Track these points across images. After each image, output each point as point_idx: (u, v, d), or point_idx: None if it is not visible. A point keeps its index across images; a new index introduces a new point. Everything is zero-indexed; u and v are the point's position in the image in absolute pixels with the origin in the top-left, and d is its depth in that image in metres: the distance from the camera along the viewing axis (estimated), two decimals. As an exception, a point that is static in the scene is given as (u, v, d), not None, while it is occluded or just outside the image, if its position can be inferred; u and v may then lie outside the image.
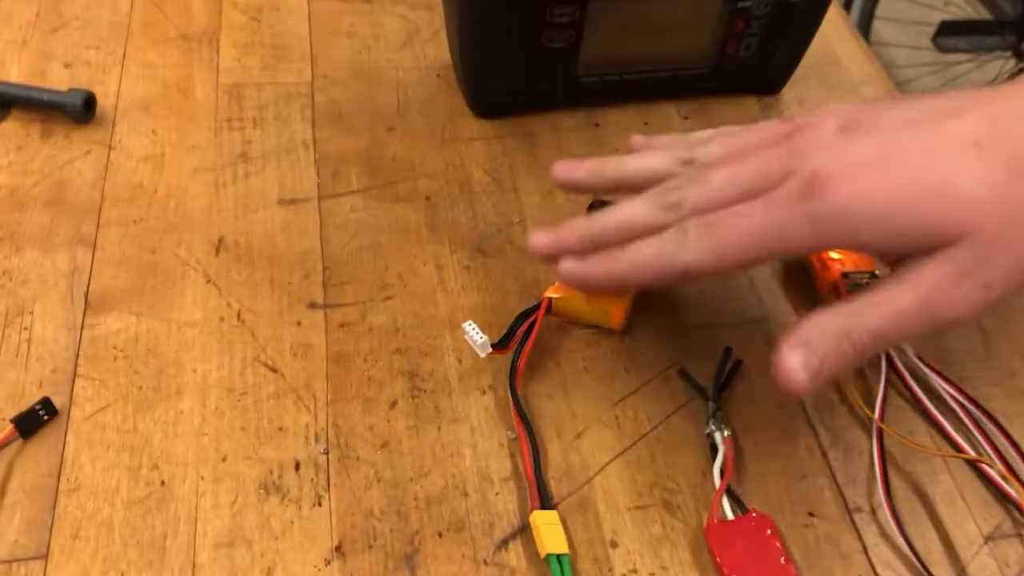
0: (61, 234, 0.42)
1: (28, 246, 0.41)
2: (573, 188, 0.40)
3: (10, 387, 0.36)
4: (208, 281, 0.41)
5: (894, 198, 0.31)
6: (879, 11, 1.82)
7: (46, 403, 0.35)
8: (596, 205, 0.43)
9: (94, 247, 0.41)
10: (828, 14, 0.52)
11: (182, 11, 0.53)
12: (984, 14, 1.98)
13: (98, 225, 0.42)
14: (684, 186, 0.35)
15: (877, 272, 0.42)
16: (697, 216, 0.33)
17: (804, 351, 0.31)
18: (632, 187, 0.37)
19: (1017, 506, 0.37)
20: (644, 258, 0.34)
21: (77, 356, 0.38)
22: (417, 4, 0.55)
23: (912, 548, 0.35)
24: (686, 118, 0.51)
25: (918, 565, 0.35)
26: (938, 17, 1.86)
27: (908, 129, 0.33)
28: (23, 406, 0.35)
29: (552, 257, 0.37)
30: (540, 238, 0.37)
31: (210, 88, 0.49)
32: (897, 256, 0.32)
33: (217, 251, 0.42)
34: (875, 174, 0.31)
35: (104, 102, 0.47)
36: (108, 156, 0.45)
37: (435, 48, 0.53)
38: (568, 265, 0.36)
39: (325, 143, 0.47)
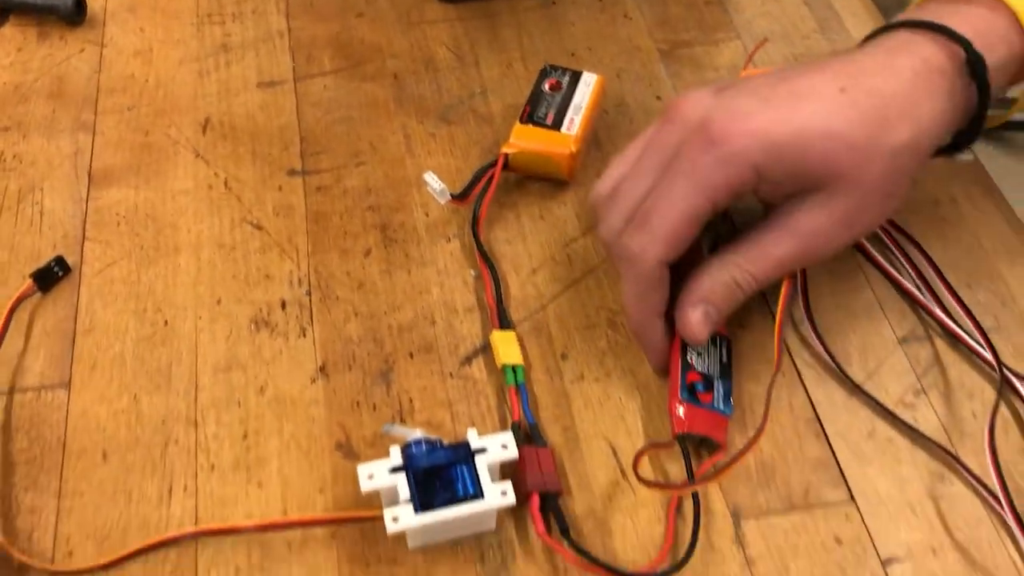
0: (63, 122, 0.46)
1: (34, 133, 0.46)
2: None
3: (27, 251, 0.41)
4: (197, 156, 0.45)
5: (784, 135, 0.34)
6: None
7: (60, 261, 0.40)
8: (548, 70, 0.47)
9: (93, 132, 0.46)
10: None
11: (161, -80, 0.57)
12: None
13: (96, 113, 0.47)
14: (606, 219, 0.37)
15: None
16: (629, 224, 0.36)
17: (703, 307, 0.37)
18: None
19: (928, 311, 0.41)
20: (628, 302, 0.37)
21: (84, 223, 0.42)
22: (381, -99, 0.59)
23: (827, 350, 0.40)
24: (637, -7, 0.55)
25: (832, 363, 0.39)
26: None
27: (779, 84, 0.36)
28: (40, 266, 0.40)
29: None
30: None
31: (190, -12, 0.53)
32: (786, 196, 0.36)
33: (204, 130, 0.46)
34: (762, 116, 0.34)
35: (94, 5, 0.51)
36: (101, 53, 0.49)
37: (400, -59, 0.56)
38: None
39: (299, 31, 0.51)
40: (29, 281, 0.39)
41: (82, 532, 0.34)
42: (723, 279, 0.36)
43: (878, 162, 0.35)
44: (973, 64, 0.36)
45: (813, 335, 0.40)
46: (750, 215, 0.39)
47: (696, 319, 0.36)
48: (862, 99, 0.35)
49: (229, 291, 0.41)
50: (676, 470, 0.36)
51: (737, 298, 0.37)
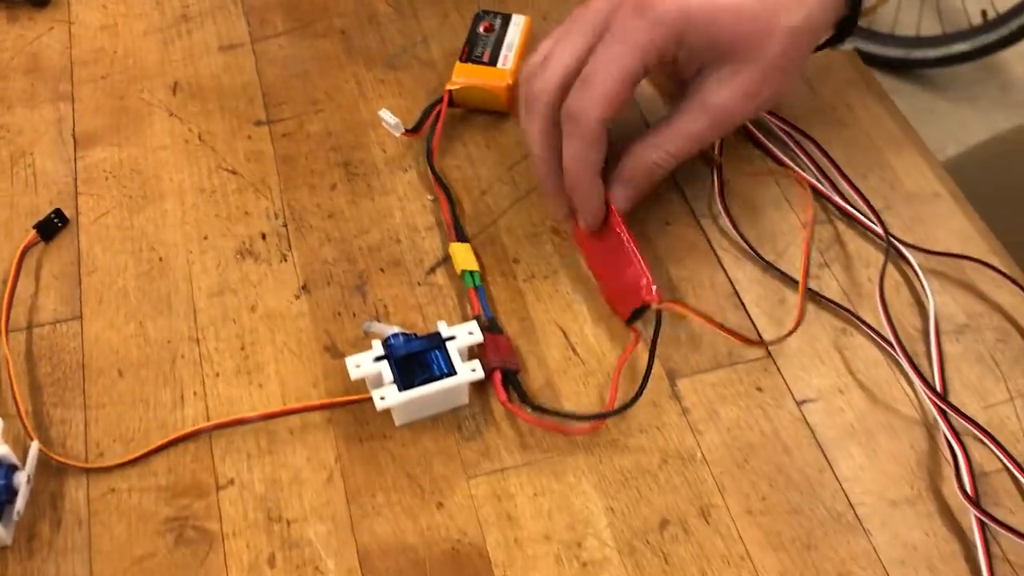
0: (42, 94, 0.50)
1: (17, 105, 0.50)
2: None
3: (26, 208, 0.46)
4: (171, 115, 0.50)
5: (699, 7, 0.40)
6: None
7: (58, 213, 0.45)
8: (481, 15, 0.52)
9: (72, 100, 0.50)
10: None
11: (110, -94, 0.61)
12: None
13: (72, 83, 0.51)
14: (539, 80, 0.41)
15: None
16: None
17: (625, 187, 0.43)
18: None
19: (828, 199, 0.48)
20: (571, 163, 0.41)
21: (75, 180, 0.47)
22: None
23: (742, 235, 0.46)
24: (556, -56, 0.60)
25: (747, 247, 0.45)
26: None
27: None
28: (41, 218, 0.45)
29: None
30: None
31: (146, -34, 0.57)
32: (698, 71, 0.42)
33: (174, 92, 0.51)
34: None
35: (57, -13, 0.55)
36: (69, 30, 0.53)
37: (335, -89, 0.61)
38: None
39: (251, -1, 0.56)
40: (33, 232, 0.44)
41: (109, 436, 0.39)
42: (645, 161, 0.43)
43: (777, 37, 0.41)
44: None
45: (729, 225, 0.46)
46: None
47: (621, 197, 0.43)
48: None
49: (214, 228, 0.45)
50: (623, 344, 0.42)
51: (658, 175, 0.43)
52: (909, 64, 1.82)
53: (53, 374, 0.40)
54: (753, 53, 0.41)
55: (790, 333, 0.42)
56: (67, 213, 0.45)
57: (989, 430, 0.40)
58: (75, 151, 0.48)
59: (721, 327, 0.41)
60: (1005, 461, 0.40)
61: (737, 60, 0.41)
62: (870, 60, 1.82)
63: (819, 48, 0.47)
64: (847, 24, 0.46)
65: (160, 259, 0.44)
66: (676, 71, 0.43)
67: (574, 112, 0.40)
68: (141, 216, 0.46)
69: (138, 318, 0.42)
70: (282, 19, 0.55)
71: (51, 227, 0.45)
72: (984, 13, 1.78)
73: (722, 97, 0.42)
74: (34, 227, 0.44)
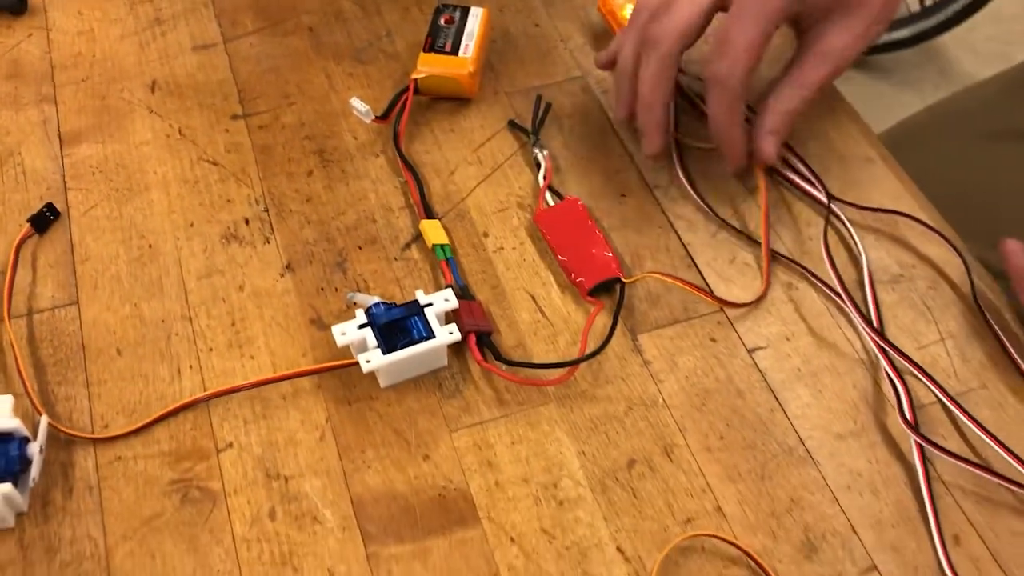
0: (26, 97, 0.53)
1: (2, 108, 0.52)
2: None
3: (19, 204, 0.48)
4: (151, 112, 0.53)
5: None
6: None
7: (50, 207, 0.47)
8: (441, 8, 0.55)
9: (55, 101, 0.53)
10: None
11: (78, -82, 0.63)
12: None
13: (54, 86, 0.53)
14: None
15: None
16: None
17: (773, 138, 0.48)
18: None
19: (773, 167, 0.51)
20: (718, 118, 0.47)
21: (64, 176, 0.49)
22: None
23: (700, 196, 0.50)
24: (509, -59, 0.64)
25: (705, 207, 0.49)
26: None
27: None
28: (34, 212, 0.47)
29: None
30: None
31: (117, -27, 0.60)
32: (814, 22, 0.48)
33: (153, 91, 0.54)
34: None
35: (33, -3, 0.58)
36: (48, 36, 0.56)
37: (297, -84, 0.64)
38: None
39: (221, 1, 0.58)
40: (27, 225, 0.46)
41: (112, 409, 0.41)
42: (783, 110, 0.48)
43: None
44: None
45: (690, 188, 0.50)
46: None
47: (769, 152, 0.49)
48: None
49: (199, 215, 0.48)
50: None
51: (795, 122, 0.49)
52: (853, 51, 1.87)
53: (55, 355, 0.43)
54: (862, 5, 0.47)
55: (761, 297, 0.46)
56: (58, 207, 0.48)
57: (924, 367, 0.44)
58: (61, 149, 0.50)
59: (699, 289, 0.45)
60: (938, 394, 0.44)
61: (850, 12, 0.47)
62: (815, 49, 1.88)
63: None
64: None
65: (150, 246, 0.47)
66: (798, 21, 0.49)
67: (720, 75, 0.46)
68: (129, 207, 0.48)
69: (132, 300, 0.45)
70: (252, 19, 0.58)
71: (44, 220, 0.47)
72: (922, 0, 1.85)
73: (842, 42, 0.47)
74: (28, 220, 0.47)
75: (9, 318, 0.44)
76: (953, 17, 1.80)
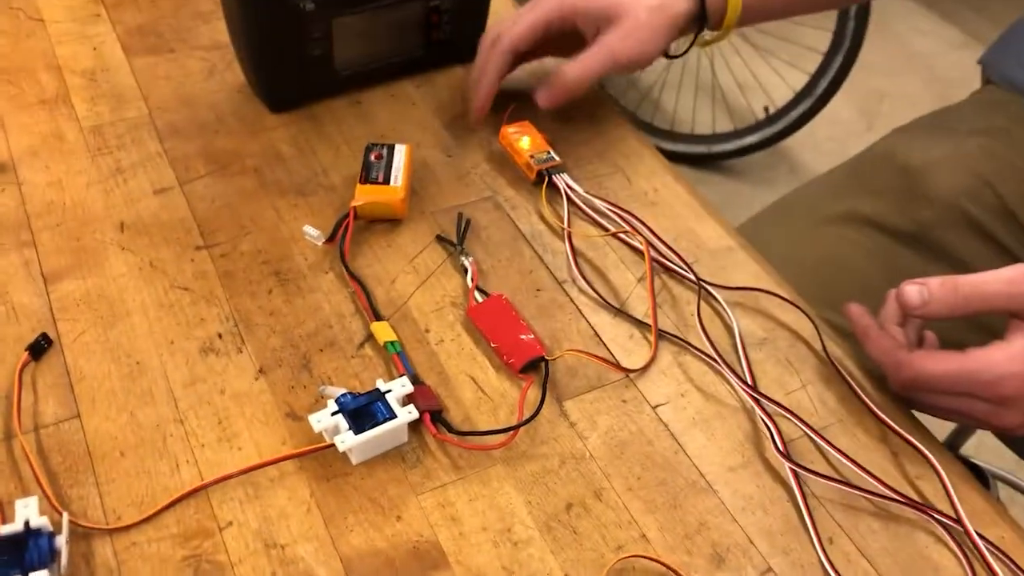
0: (7, 243, 0.60)
1: (-13, 255, 0.59)
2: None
3: (14, 336, 0.54)
4: (123, 249, 0.60)
5: None
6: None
7: (44, 336, 0.54)
8: (371, 147, 0.65)
9: (35, 245, 0.60)
10: None
11: (33, 84, 0.71)
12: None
13: (32, 232, 0.60)
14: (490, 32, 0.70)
15: (551, 151, 0.67)
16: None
17: (545, 90, 0.69)
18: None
19: (654, 259, 0.63)
20: (481, 62, 0.69)
21: (52, 309, 0.56)
22: (210, 47, 0.76)
23: (594, 290, 0.60)
24: (418, 87, 0.75)
25: (598, 296, 0.60)
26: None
27: None
28: (31, 342, 0.53)
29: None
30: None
31: (77, 132, 0.68)
32: (596, 30, 0.67)
33: (122, 230, 0.61)
34: None
35: (1, 154, 0.65)
36: (20, 189, 0.63)
37: (231, 74, 0.74)
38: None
39: (173, 150, 0.67)
40: (25, 353, 0.53)
41: (123, 503, 0.48)
42: (570, 75, 0.67)
43: (641, 10, 0.66)
44: None
45: (585, 284, 0.61)
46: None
47: (543, 95, 0.69)
48: None
49: (178, 334, 0.56)
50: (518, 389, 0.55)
51: (580, 82, 0.67)
52: (711, 157, 2.09)
53: (65, 462, 0.49)
54: (628, 15, 0.66)
55: (650, 363, 0.57)
56: (50, 336, 0.54)
57: (792, 409, 0.55)
58: (46, 286, 0.57)
59: (606, 361, 0.55)
60: (804, 429, 0.55)
61: (619, 19, 0.66)
62: (678, 158, 2.08)
63: (691, 45, 0.71)
64: (699, 21, 0.69)
65: (137, 363, 0.54)
66: (581, 28, 0.68)
67: (499, 37, 0.67)
68: (114, 331, 0.55)
69: (128, 410, 0.52)
70: (203, 164, 0.66)
71: (40, 348, 0.54)
72: (767, 109, 2.08)
73: (613, 39, 0.66)
74: (26, 349, 0.53)
75: (21, 433, 0.50)
76: (795, 122, 2.03)
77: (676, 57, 0.72)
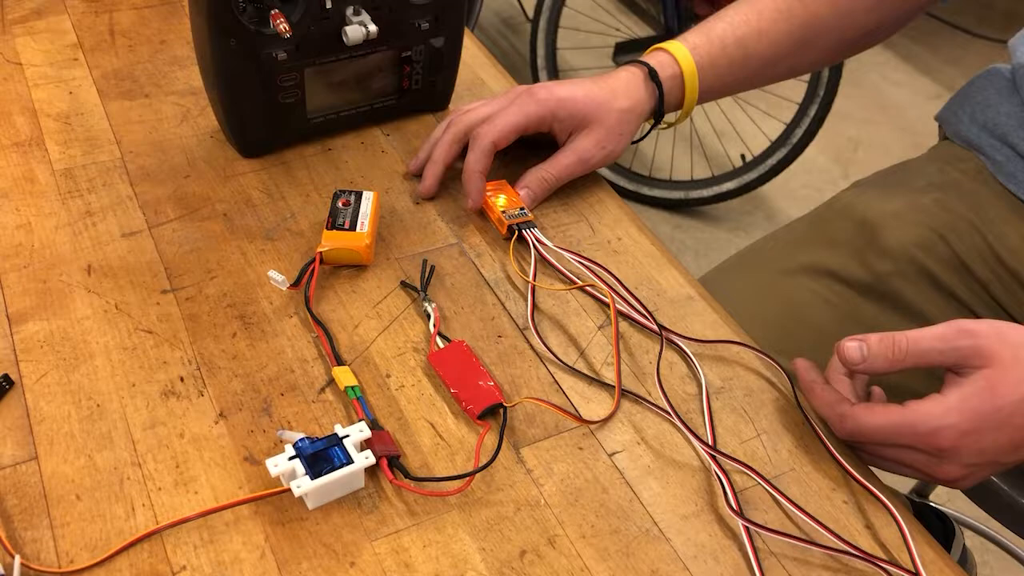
0: (-27, 284, 0.60)
1: (-48, 295, 0.59)
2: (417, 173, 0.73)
3: (-26, 377, 0.55)
4: (89, 291, 0.61)
5: (566, 95, 0.70)
6: (560, 43, 2.19)
7: (6, 377, 0.54)
8: (339, 193, 0.67)
9: (1, 286, 0.60)
10: (470, 49, 0.79)
11: (8, 127, 0.72)
12: (649, 31, 2.40)
13: (-1, 273, 0.61)
14: (469, 115, 0.72)
15: (524, 207, 0.68)
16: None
17: (525, 190, 0.69)
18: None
19: (613, 307, 0.64)
20: (470, 164, 0.69)
21: (15, 350, 0.57)
22: (184, 92, 0.77)
23: (546, 345, 0.61)
24: (388, 134, 0.77)
25: (549, 352, 0.61)
26: (612, 40, 2.26)
27: (564, 83, 0.72)
28: (-11, 384, 0.54)
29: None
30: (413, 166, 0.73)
31: (49, 175, 0.69)
32: (568, 135, 0.71)
33: (89, 273, 0.62)
34: (558, 88, 0.71)
35: (-27, 197, 0.66)
36: (-11, 231, 0.64)
37: (204, 120, 0.75)
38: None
39: (143, 194, 0.68)
40: (-15, 395, 0.53)
41: (76, 547, 0.48)
42: (537, 176, 0.71)
43: (613, 114, 0.71)
44: (653, 74, 0.72)
45: (539, 340, 0.62)
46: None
47: (524, 196, 0.70)
48: (603, 86, 0.71)
49: (139, 377, 0.56)
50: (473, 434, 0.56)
51: (545, 186, 0.71)
52: (689, 203, 2.11)
53: (20, 504, 0.49)
54: (599, 122, 0.70)
55: (611, 415, 0.57)
56: (12, 377, 0.55)
57: (745, 460, 0.56)
58: (10, 327, 0.58)
59: (564, 411, 0.56)
60: (758, 479, 0.55)
61: (590, 125, 0.70)
62: (657, 203, 2.11)
63: (652, 128, 0.75)
64: (658, 115, 0.74)
65: (98, 405, 0.54)
66: (553, 133, 0.72)
67: (479, 134, 0.68)
68: (76, 373, 0.56)
69: (86, 453, 0.52)
70: (172, 208, 0.67)
71: (1, 389, 0.54)
72: (743, 156, 2.11)
73: (584, 145, 0.71)
74: (-14, 391, 0.53)
75: (-23, 476, 0.50)
76: (771, 170, 2.06)
77: (638, 142, 0.76)
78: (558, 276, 0.67)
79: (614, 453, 0.56)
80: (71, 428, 0.53)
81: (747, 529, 0.53)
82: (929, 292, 0.75)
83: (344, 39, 0.68)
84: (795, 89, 1.96)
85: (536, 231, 0.68)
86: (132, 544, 0.48)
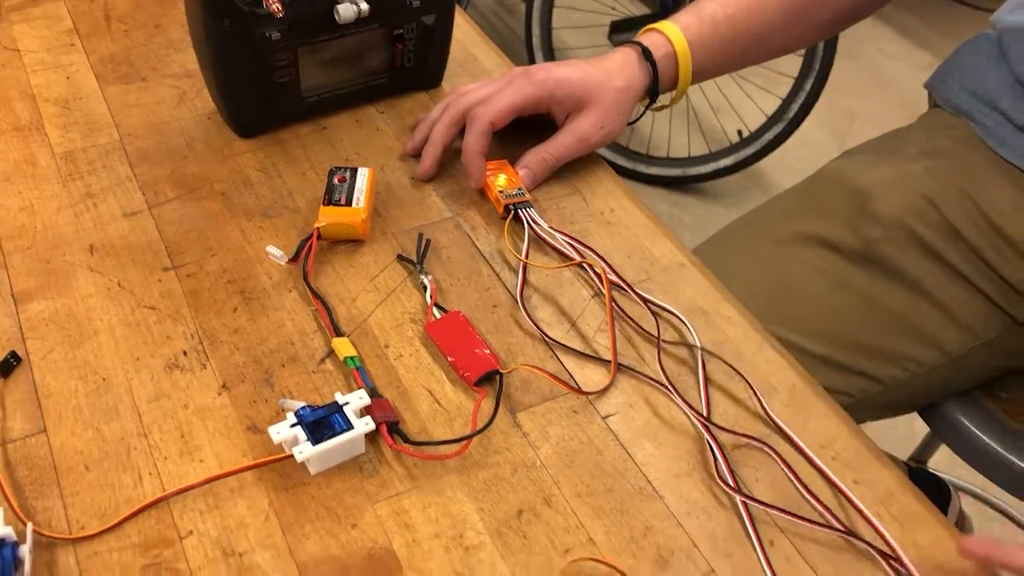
0: (-21, 265, 0.62)
1: (-42, 277, 0.61)
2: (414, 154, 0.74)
3: (-18, 355, 0.56)
4: (92, 270, 0.62)
5: (563, 76, 0.71)
6: (555, 23, 2.19)
7: (13, 354, 0.56)
8: (334, 170, 0.68)
9: (6, 267, 0.62)
10: (462, 27, 0.80)
11: (8, 112, 0.73)
12: (644, 10, 2.40)
13: (3, 254, 0.62)
14: (466, 96, 0.72)
15: (522, 188, 0.69)
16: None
17: (526, 169, 0.69)
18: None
19: (604, 276, 0.65)
20: (468, 143, 0.70)
21: (21, 328, 0.58)
22: (180, 75, 0.79)
23: (536, 324, 0.62)
24: (382, 112, 0.78)
25: (541, 333, 0.62)
26: (607, 19, 2.26)
27: (561, 63, 0.72)
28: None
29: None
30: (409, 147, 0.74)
31: (49, 158, 0.70)
32: (567, 115, 0.72)
33: (91, 253, 0.63)
34: (556, 69, 0.71)
35: (-25, 181, 0.67)
36: (-8, 213, 0.65)
37: (201, 101, 0.76)
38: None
39: (143, 175, 0.69)
40: (-6, 372, 0.55)
41: (86, 514, 0.49)
42: (537, 156, 0.71)
43: (610, 94, 0.72)
44: (647, 54, 0.73)
45: (528, 319, 0.63)
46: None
47: (524, 175, 0.71)
48: (599, 67, 0.72)
49: (143, 351, 0.58)
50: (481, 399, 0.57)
51: (545, 166, 0.71)
52: (687, 180, 2.12)
53: (30, 475, 0.51)
54: (597, 102, 0.71)
55: (609, 385, 0.59)
56: (19, 354, 0.56)
57: (737, 418, 0.57)
58: (16, 307, 0.59)
59: (559, 381, 0.57)
60: (749, 439, 0.57)
61: (588, 106, 0.71)
62: (654, 181, 2.11)
63: (647, 109, 0.77)
64: (652, 94, 0.75)
65: (103, 379, 0.56)
66: (552, 113, 0.73)
67: (477, 115, 0.69)
68: (81, 349, 0.57)
69: (94, 425, 0.53)
70: (171, 188, 0.69)
71: (8, 366, 0.55)
72: (740, 132, 2.12)
73: (582, 126, 0.71)
74: (-5, 367, 0.55)
75: (-12, 448, 0.51)
76: (768, 145, 2.07)
77: (632, 123, 0.76)
78: (554, 255, 0.68)
79: (608, 416, 0.57)
80: (78, 402, 0.55)
81: (736, 483, 0.54)
82: (920, 258, 0.76)
83: (336, 17, 0.69)
84: (791, 64, 1.96)
85: (532, 211, 0.69)
86: (140, 511, 0.50)
